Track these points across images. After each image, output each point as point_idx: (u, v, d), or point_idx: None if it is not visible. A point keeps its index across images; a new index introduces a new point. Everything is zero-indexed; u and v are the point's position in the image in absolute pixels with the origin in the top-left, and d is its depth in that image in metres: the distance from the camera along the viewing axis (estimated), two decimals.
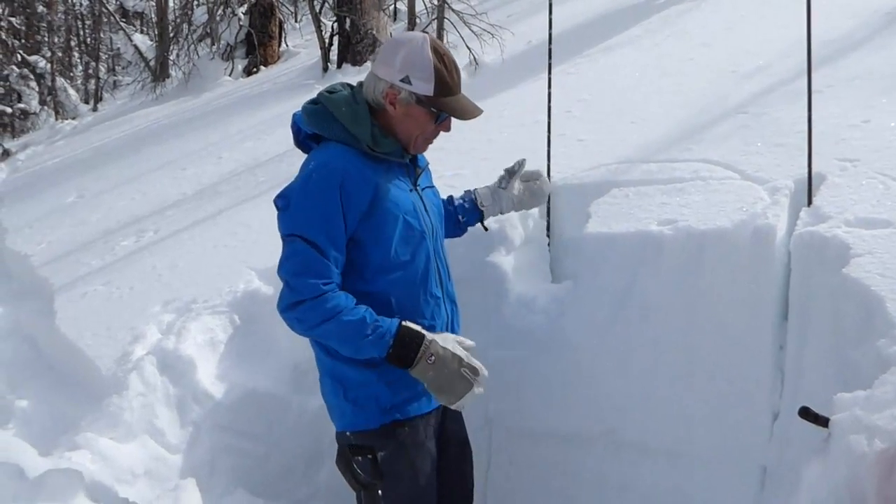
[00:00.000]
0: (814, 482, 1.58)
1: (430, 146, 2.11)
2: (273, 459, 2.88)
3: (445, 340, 1.91)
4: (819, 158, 2.51)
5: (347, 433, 2.03)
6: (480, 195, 2.36)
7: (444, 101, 1.97)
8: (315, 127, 2.01)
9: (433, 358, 1.87)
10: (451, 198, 2.37)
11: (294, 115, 2.09)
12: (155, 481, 2.49)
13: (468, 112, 2.01)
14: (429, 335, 1.90)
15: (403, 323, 1.90)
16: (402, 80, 1.94)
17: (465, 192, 2.40)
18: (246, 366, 2.95)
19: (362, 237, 1.95)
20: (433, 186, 2.22)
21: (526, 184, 2.40)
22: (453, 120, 2.04)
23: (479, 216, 2.37)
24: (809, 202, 2.45)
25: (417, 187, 2.09)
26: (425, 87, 1.94)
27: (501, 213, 2.42)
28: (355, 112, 1.97)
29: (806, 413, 1.66)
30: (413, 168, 2.11)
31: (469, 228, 2.42)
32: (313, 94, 2.09)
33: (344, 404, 2.01)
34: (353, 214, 1.92)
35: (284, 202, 1.96)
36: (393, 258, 1.98)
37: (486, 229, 2.47)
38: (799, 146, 2.64)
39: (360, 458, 2.00)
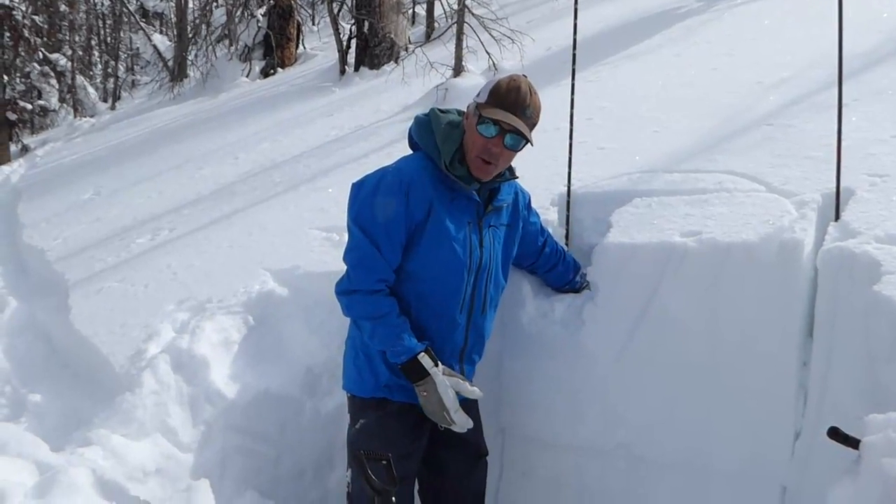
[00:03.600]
0: None
1: None
2: (284, 462, 2.86)
3: (445, 388, 2.18)
4: (847, 173, 2.46)
5: (346, 394, 2.41)
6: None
7: (488, 109, 2.17)
8: (415, 134, 2.30)
9: (424, 393, 2.20)
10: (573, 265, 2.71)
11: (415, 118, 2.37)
12: (166, 480, 2.47)
13: (500, 117, 2.16)
14: (435, 375, 2.18)
15: (420, 356, 2.17)
16: (476, 96, 2.23)
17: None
18: (259, 367, 2.94)
19: (408, 243, 2.21)
20: (508, 226, 2.42)
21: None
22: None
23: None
24: (837, 217, 2.40)
25: (481, 222, 2.29)
26: (482, 97, 2.21)
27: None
28: (450, 132, 2.23)
29: (835, 434, 1.61)
30: (483, 204, 2.29)
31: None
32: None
33: (352, 369, 2.37)
34: (412, 220, 2.19)
35: (357, 192, 2.22)
36: (424, 272, 2.23)
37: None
38: (826, 159, 2.59)
39: (374, 463, 2.00)
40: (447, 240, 2.21)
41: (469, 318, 2.33)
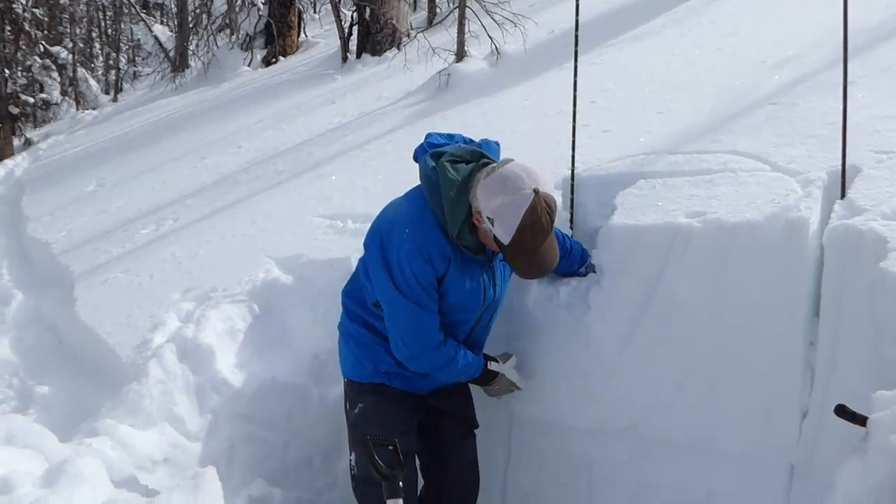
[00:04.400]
0: (850, 482, 1.53)
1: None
2: (292, 449, 2.87)
3: (511, 374, 2.52)
4: (853, 150, 2.44)
5: (344, 379, 2.50)
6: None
7: (514, 253, 2.16)
8: (424, 188, 2.24)
9: (497, 387, 2.52)
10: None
11: (427, 141, 2.32)
12: (174, 469, 2.48)
13: (529, 271, 2.24)
14: (503, 370, 2.49)
15: (489, 365, 2.45)
16: (488, 218, 2.12)
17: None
18: (265, 355, 2.94)
19: None
20: None
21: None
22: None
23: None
24: (843, 195, 2.38)
25: (492, 262, 2.33)
26: (503, 236, 2.12)
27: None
28: (457, 205, 2.15)
29: (842, 411, 1.61)
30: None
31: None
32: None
33: (349, 356, 2.46)
34: (437, 275, 2.24)
35: (380, 260, 2.23)
36: (440, 312, 2.32)
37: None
38: (832, 137, 2.57)
39: (381, 448, 2.01)
40: (463, 290, 2.29)
41: (469, 336, 2.44)
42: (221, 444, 2.68)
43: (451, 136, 2.41)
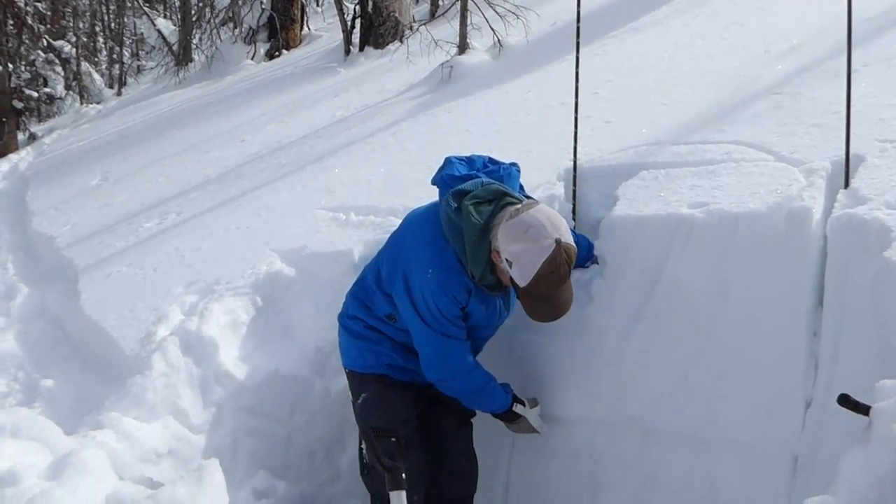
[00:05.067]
0: (853, 472, 1.52)
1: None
2: (295, 442, 2.88)
3: (535, 420, 2.56)
4: (857, 139, 2.43)
5: (346, 370, 2.55)
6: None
7: (528, 297, 2.21)
8: (445, 228, 2.26)
9: (515, 427, 2.58)
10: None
11: (447, 172, 2.31)
12: (178, 461, 2.49)
13: (539, 314, 2.25)
14: (526, 414, 2.52)
15: (514, 407, 2.49)
16: (507, 260, 2.13)
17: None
18: (268, 348, 2.95)
19: None
20: None
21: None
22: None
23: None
24: (847, 184, 2.37)
25: (507, 289, 2.33)
26: (520, 280, 2.15)
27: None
28: (479, 248, 2.17)
29: (846, 400, 1.60)
30: None
31: None
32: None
33: (351, 348, 2.51)
34: (461, 307, 2.31)
35: (406, 296, 2.29)
36: None
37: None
38: (835, 127, 2.55)
39: (383, 441, 2.02)
40: (482, 315, 2.36)
41: (472, 350, 2.48)
42: (225, 436, 2.69)
43: (470, 160, 2.39)
